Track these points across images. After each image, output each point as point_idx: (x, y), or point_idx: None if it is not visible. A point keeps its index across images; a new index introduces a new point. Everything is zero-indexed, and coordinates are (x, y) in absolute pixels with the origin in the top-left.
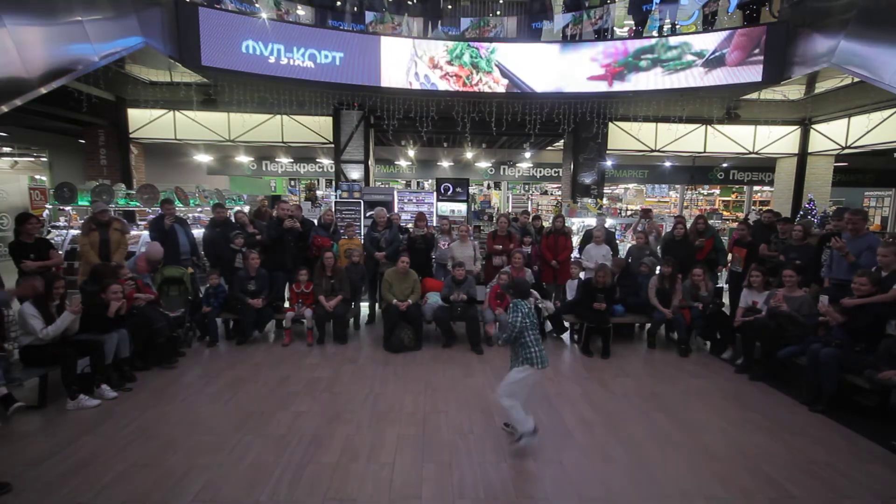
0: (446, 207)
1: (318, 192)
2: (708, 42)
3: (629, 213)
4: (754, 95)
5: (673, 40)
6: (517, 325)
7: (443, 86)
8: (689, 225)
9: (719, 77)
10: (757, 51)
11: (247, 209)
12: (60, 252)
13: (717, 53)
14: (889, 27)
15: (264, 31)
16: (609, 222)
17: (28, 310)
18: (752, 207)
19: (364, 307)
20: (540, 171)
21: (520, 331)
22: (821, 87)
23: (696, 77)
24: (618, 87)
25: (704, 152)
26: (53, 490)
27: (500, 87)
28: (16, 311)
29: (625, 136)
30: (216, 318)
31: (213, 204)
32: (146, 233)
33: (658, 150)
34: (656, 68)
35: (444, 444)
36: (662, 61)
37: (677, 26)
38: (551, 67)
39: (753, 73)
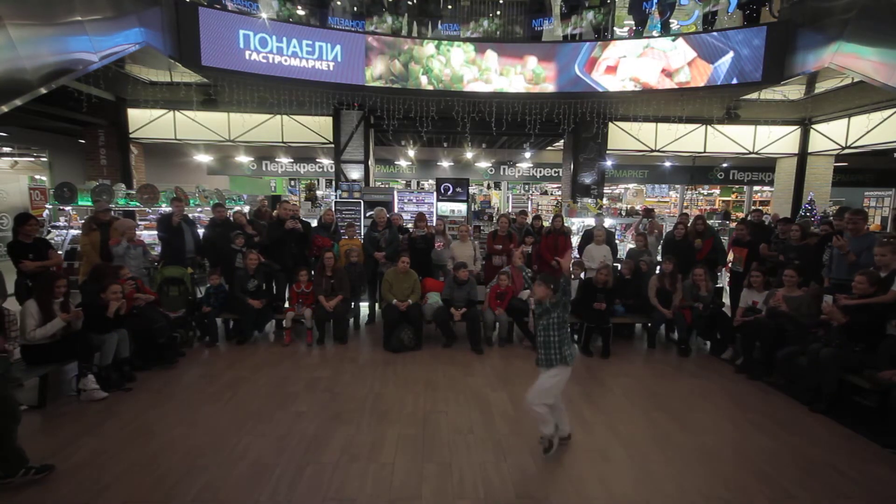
0: (446, 207)
1: (318, 192)
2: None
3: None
4: (754, 95)
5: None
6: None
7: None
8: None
9: (718, 77)
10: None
11: (247, 209)
12: (60, 252)
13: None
14: (889, 27)
15: (264, 30)
16: (609, 222)
17: (30, 308)
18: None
19: (364, 307)
20: (540, 171)
21: (562, 323)
22: (821, 87)
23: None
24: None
25: (704, 152)
26: (53, 490)
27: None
28: (17, 311)
29: (625, 136)
30: (216, 318)
31: (213, 204)
32: (146, 233)
33: (658, 150)
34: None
35: (444, 444)
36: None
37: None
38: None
39: (753, 73)
